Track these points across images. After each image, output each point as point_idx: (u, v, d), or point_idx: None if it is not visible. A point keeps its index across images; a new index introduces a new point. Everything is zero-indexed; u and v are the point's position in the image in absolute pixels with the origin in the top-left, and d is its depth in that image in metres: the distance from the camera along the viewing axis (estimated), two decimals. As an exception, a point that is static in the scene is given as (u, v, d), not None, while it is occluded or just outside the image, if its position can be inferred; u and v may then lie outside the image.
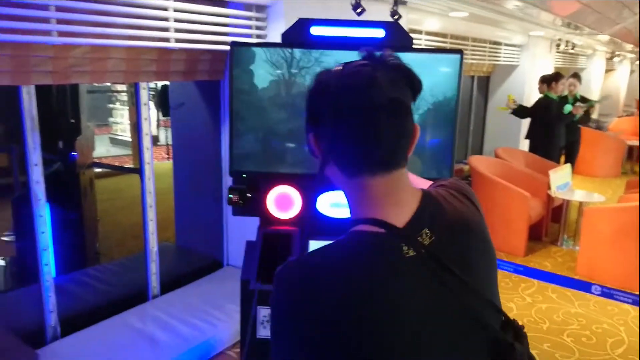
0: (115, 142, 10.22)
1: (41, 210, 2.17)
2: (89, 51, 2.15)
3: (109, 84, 11.55)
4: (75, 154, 3.15)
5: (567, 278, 1.90)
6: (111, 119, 10.70)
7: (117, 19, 2.13)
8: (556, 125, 5.31)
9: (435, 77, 2.05)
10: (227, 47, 2.14)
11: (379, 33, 2.01)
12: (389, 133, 0.77)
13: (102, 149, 9.43)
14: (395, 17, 2.95)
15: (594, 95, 9.35)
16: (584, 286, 1.76)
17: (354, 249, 0.77)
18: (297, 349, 0.73)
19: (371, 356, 0.72)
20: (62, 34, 1.94)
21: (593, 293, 1.77)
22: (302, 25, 2.01)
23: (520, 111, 5.46)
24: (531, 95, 5.69)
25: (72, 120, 3.29)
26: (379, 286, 0.74)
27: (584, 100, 5.74)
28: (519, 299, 3.58)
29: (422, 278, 0.77)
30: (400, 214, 0.79)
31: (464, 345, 0.79)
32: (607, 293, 1.73)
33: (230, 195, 2.19)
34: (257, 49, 2.13)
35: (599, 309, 3.42)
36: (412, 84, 0.80)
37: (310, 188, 2.01)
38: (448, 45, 4.57)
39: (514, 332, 0.81)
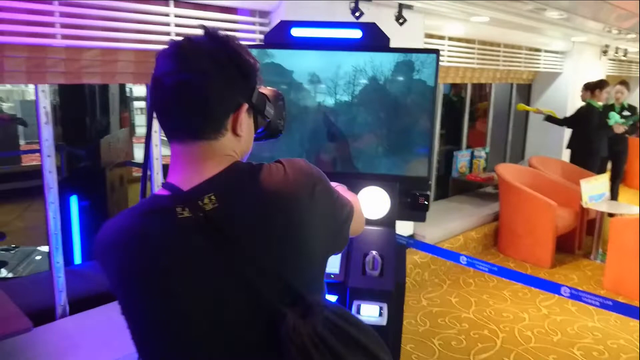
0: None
1: (52, 198, 2.39)
2: (99, 54, 2.37)
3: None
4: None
5: (535, 278, 1.84)
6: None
7: (120, 23, 2.33)
8: (597, 134, 5.08)
9: (413, 76, 2.09)
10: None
11: (357, 34, 2.08)
12: (177, 109, 0.86)
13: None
14: (400, 20, 3.00)
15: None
16: (553, 287, 1.70)
17: (138, 209, 0.88)
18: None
19: (133, 301, 0.87)
20: (65, 37, 2.16)
21: (562, 295, 1.72)
22: (284, 27, 2.12)
23: (558, 119, 5.27)
24: (575, 104, 5.47)
25: (107, 119, 3.57)
26: (148, 242, 0.85)
27: (631, 109, 5.45)
28: (534, 309, 3.47)
29: (195, 238, 0.83)
30: (192, 180, 0.86)
31: (227, 307, 0.83)
32: (575, 295, 1.67)
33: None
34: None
35: (620, 324, 3.25)
36: (234, 62, 0.87)
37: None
38: (475, 52, 4.51)
39: (304, 309, 0.81)
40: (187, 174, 0.87)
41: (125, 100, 5.99)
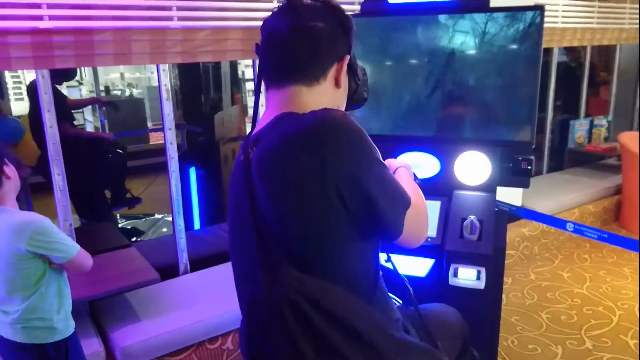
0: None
1: (173, 167, 2.66)
2: (210, 33, 2.57)
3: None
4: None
5: (624, 238, 1.68)
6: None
7: (228, 3, 2.51)
8: None
9: (516, 36, 2.01)
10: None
11: (454, -5, 2.04)
12: (287, 52, 0.96)
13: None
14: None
15: None
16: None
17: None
18: None
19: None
20: (181, 18, 2.37)
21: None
22: (380, -6, 2.13)
23: None
24: None
25: (219, 97, 3.84)
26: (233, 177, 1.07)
27: None
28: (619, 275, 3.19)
29: (243, 180, 0.98)
30: (258, 126, 1.02)
31: (244, 241, 0.98)
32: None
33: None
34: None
35: None
36: (337, 17, 0.98)
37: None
38: (596, 10, 4.14)
39: (271, 280, 0.90)
40: (262, 120, 1.03)
41: (238, 82, 6.33)
